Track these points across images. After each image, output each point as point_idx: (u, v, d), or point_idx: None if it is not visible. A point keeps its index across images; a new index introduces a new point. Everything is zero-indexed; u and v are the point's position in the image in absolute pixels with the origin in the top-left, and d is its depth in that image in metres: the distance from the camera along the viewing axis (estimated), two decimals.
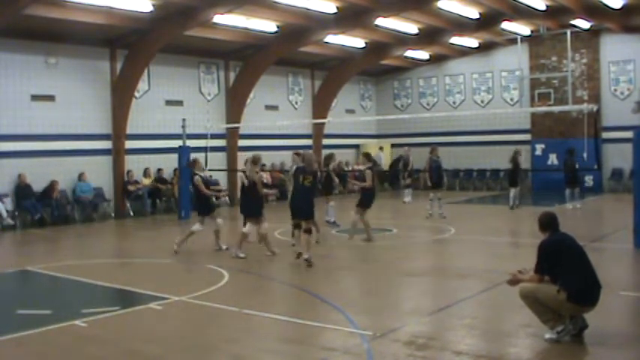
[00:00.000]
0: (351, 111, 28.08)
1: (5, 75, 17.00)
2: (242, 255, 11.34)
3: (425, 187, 17.17)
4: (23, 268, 10.97)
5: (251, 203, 11.53)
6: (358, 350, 6.31)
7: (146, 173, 19.75)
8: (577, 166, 18.39)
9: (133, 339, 6.96)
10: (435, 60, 27.46)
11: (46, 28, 16.92)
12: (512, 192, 18.68)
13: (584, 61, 24.38)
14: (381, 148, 27.76)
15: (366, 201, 13.10)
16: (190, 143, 18.57)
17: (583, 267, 6.39)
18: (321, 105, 26.04)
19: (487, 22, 21.77)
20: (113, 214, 18.90)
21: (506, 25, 22.47)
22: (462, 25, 21.95)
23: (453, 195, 22.90)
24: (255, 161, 11.65)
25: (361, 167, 14.25)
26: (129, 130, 19.32)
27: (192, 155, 14.74)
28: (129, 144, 19.39)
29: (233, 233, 13.37)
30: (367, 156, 13.71)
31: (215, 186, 16.43)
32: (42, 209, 17.04)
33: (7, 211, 16.30)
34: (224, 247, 12.21)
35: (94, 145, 18.84)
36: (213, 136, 19.99)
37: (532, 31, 24.50)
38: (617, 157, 22.80)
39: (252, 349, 6.48)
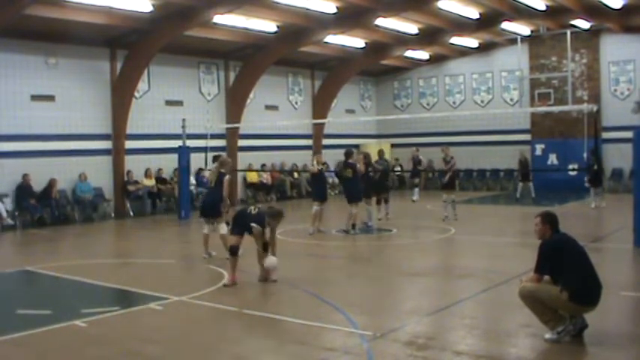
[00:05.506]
0: (351, 111, 28.06)
1: (5, 75, 16.99)
2: (205, 255, 11.40)
3: (440, 187, 17.18)
4: (23, 268, 10.96)
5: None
6: (358, 350, 6.30)
7: (147, 174, 19.72)
8: (595, 167, 18.01)
9: (133, 339, 6.95)
10: (435, 60, 27.45)
11: (46, 28, 16.91)
12: (521, 185, 21.13)
13: (584, 61, 24.36)
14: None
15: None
16: (190, 143, 18.59)
17: (584, 267, 6.39)
18: (321, 105, 26.02)
19: (487, 22, 21.77)
20: (113, 214, 18.89)
21: (506, 25, 22.46)
22: (462, 25, 21.95)
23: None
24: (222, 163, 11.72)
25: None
26: (129, 130, 19.32)
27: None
28: (129, 144, 19.38)
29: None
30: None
31: None
32: (42, 209, 17.04)
33: (7, 211, 16.30)
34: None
35: (94, 145, 18.84)
36: (213, 136, 19.99)
37: (532, 31, 24.49)
38: (617, 157, 22.79)
39: (252, 349, 6.48)
